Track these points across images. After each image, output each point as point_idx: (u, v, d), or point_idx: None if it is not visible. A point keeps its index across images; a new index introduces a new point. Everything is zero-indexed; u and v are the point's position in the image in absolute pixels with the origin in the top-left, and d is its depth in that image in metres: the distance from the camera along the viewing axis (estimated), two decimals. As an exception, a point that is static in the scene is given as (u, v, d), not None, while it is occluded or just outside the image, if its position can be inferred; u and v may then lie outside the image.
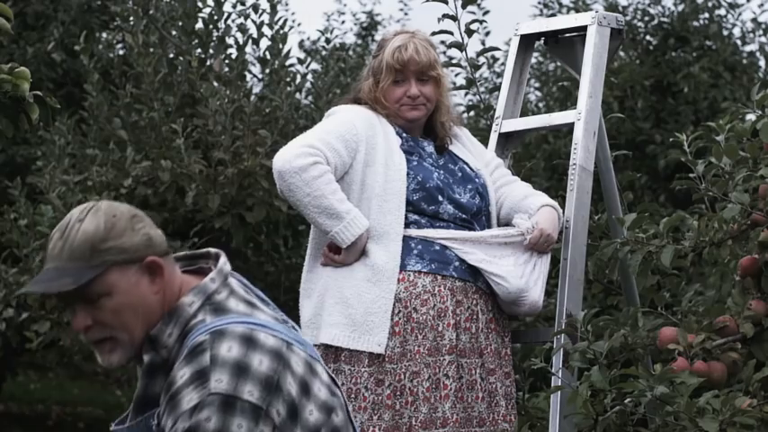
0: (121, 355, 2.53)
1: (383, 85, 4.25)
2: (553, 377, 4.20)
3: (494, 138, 4.69)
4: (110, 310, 2.51)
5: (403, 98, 4.25)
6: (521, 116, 4.79)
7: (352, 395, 4.05)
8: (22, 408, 13.11)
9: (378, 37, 12.96)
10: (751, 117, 4.39)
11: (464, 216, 4.24)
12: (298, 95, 8.48)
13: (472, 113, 5.57)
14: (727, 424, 3.67)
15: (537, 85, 11.48)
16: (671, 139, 4.83)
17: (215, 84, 7.95)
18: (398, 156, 4.21)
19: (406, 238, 4.15)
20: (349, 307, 4.08)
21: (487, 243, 4.22)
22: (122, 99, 8.17)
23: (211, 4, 8.16)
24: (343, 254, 4.15)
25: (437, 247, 4.18)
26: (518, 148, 5.05)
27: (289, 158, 4.07)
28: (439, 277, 4.16)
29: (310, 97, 9.21)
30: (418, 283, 4.13)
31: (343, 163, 4.14)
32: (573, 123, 4.52)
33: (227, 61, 8.14)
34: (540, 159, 9.68)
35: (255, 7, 8.23)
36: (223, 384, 2.39)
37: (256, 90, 8.70)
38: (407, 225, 4.17)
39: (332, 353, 4.10)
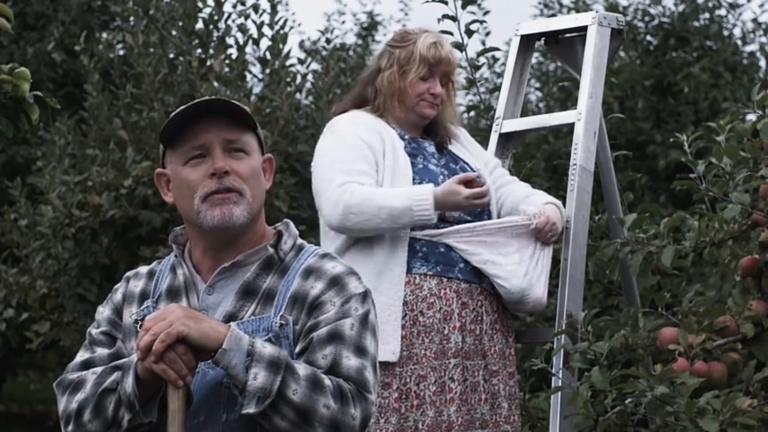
0: (242, 210, 2.68)
1: (412, 78, 4.22)
2: (554, 377, 4.20)
3: (494, 138, 4.68)
4: (246, 164, 2.70)
5: (425, 94, 4.24)
6: (521, 116, 4.78)
7: None
8: (22, 408, 13.11)
9: (379, 36, 12.94)
10: (751, 117, 4.39)
11: (468, 218, 4.23)
12: (298, 95, 8.49)
13: (472, 113, 5.57)
14: (727, 424, 3.67)
15: (537, 85, 11.48)
16: (671, 140, 4.82)
17: (215, 84, 7.95)
18: (403, 160, 4.20)
19: (411, 240, 4.14)
20: None
21: (491, 234, 4.19)
22: (122, 99, 8.17)
23: (211, 4, 8.16)
24: (453, 205, 4.13)
25: (442, 249, 4.17)
26: (518, 149, 5.05)
27: (334, 217, 4.08)
28: (444, 280, 4.15)
29: (310, 97, 9.21)
30: (424, 286, 4.12)
31: (375, 178, 4.14)
32: (573, 123, 4.52)
33: (227, 61, 8.14)
34: (540, 159, 9.67)
35: (256, 7, 8.23)
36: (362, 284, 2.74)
37: (256, 90, 8.70)
38: (412, 227, 4.16)
39: None
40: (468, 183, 4.14)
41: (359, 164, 4.13)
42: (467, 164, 4.33)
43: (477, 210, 4.25)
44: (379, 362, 4.02)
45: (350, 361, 2.62)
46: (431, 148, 4.31)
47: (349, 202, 4.06)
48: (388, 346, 4.05)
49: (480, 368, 4.14)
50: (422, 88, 4.23)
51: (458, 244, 4.17)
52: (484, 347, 4.17)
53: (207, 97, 2.73)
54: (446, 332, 4.10)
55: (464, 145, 4.41)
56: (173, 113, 2.70)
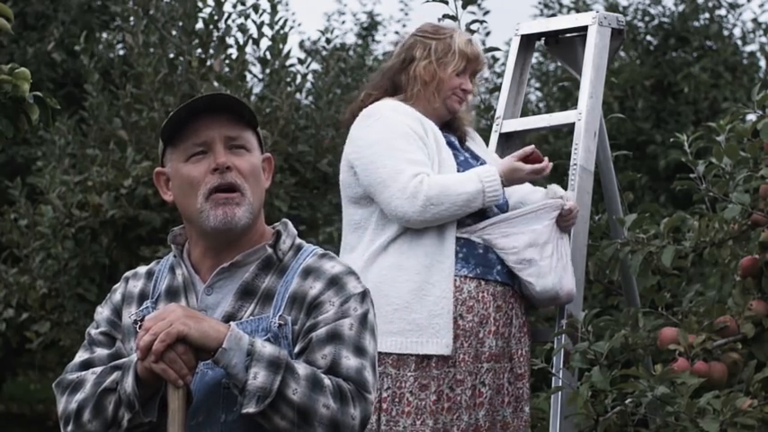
0: (245, 212, 2.68)
1: (451, 71, 4.19)
2: (554, 377, 4.20)
3: (494, 138, 4.68)
4: (246, 161, 2.70)
5: (457, 89, 4.22)
6: (521, 116, 4.78)
7: (396, 399, 4.01)
8: (22, 408, 13.11)
9: (379, 36, 12.94)
10: (751, 117, 4.39)
11: (498, 213, 4.22)
12: (298, 95, 8.48)
13: (473, 113, 5.58)
14: (727, 424, 3.67)
15: (537, 85, 11.48)
16: (671, 140, 4.82)
17: (215, 84, 7.95)
18: (446, 151, 4.17)
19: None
20: (412, 312, 4.02)
21: (527, 223, 4.14)
22: (122, 99, 8.17)
23: (211, 4, 8.15)
24: (517, 181, 4.17)
25: (480, 250, 4.14)
26: (518, 148, 5.04)
27: (412, 210, 4.02)
28: (483, 282, 4.12)
29: (310, 97, 9.21)
30: (464, 289, 4.09)
31: (428, 161, 4.11)
32: (573, 123, 4.52)
33: (227, 61, 8.14)
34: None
35: (256, 7, 8.23)
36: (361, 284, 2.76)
37: (256, 90, 8.69)
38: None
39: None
40: (525, 158, 4.16)
41: (419, 153, 4.08)
42: (484, 161, 4.30)
43: (504, 206, 4.22)
44: (416, 359, 4.02)
45: (349, 361, 2.62)
46: (457, 143, 4.30)
47: (429, 194, 4.01)
48: (442, 340, 4.02)
49: (506, 371, 4.13)
50: (455, 82, 4.21)
51: (497, 240, 4.14)
52: (511, 350, 4.16)
53: (208, 93, 2.73)
54: (481, 336, 4.09)
55: (477, 143, 4.39)
56: (174, 110, 2.71)
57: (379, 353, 4.00)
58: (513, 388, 4.15)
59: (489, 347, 4.09)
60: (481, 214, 4.16)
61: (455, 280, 4.08)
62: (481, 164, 4.24)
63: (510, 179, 4.14)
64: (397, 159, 4.05)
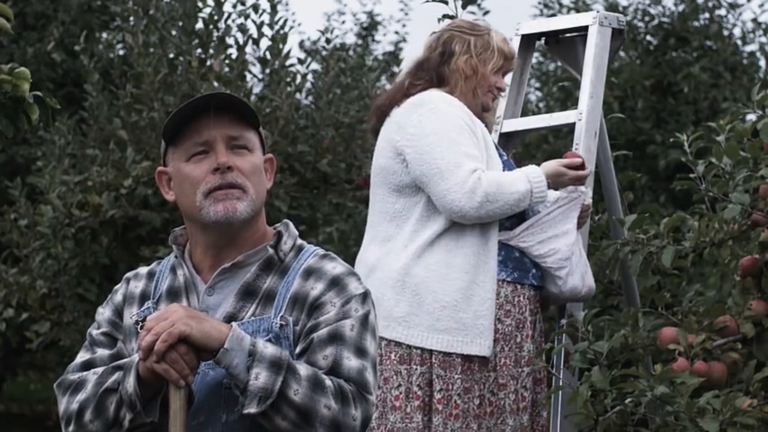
0: (246, 206, 2.68)
1: (491, 67, 4.19)
2: (554, 377, 4.20)
3: (494, 137, 4.68)
4: (248, 161, 2.70)
5: (493, 87, 4.22)
6: (521, 116, 4.79)
7: (444, 400, 4.00)
8: (22, 408, 13.11)
9: (379, 36, 12.94)
10: (751, 117, 4.39)
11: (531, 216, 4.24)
12: (298, 95, 8.47)
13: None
14: (727, 424, 3.67)
15: (537, 85, 11.48)
16: (671, 140, 4.82)
17: (215, 84, 7.95)
18: (493, 150, 4.17)
19: None
20: (459, 311, 4.01)
21: (556, 225, 4.15)
22: (122, 99, 8.16)
23: (211, 4, 8.15)
24: (559, 185, 4.19)
25: (517, 254, 4.15)
26: (518, 148, 5.05)
27: (465, 206, 4.00)
28: (519, 286, 4.13)
29: (310, 97, 9.20)
30: (501, 293, 4.10)
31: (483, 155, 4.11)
32: (574, 123, 4.52)
33: (227, 61, 8.13)
34: (540, 159, 9.66)
35: (255, 7, 8.22)
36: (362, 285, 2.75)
37: (256, 90, 8.69)
38: None
39: (421, 354, 4.02)
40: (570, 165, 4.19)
41: (474, 149, 4.07)
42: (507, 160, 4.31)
43: (534, 210, 4.22)
44: (462, 360, 4.01)
45: (350, 362, 2.62)
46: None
47: (488, 191, 4.00)
48: (485, 341, 4.03)
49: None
50: (493, 80, 4.21)
51: (532, 248, 4.14)
52: (533, 355, 4.17)
53: (210, 92, 2.73)
54: (519, 340, 4.10)
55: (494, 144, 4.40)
56: (176, 109, 2.71)
57: (424, 349, 4.00)
58: (532, 393, 4.15)
59: (528, 352, 4.11)
60: (517, 215, 4.16)
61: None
62: (504, 161, 4.23)
63: (555, 182, 4.17)
64: (455, 153, 4.02)
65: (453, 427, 3.99)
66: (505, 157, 4.25)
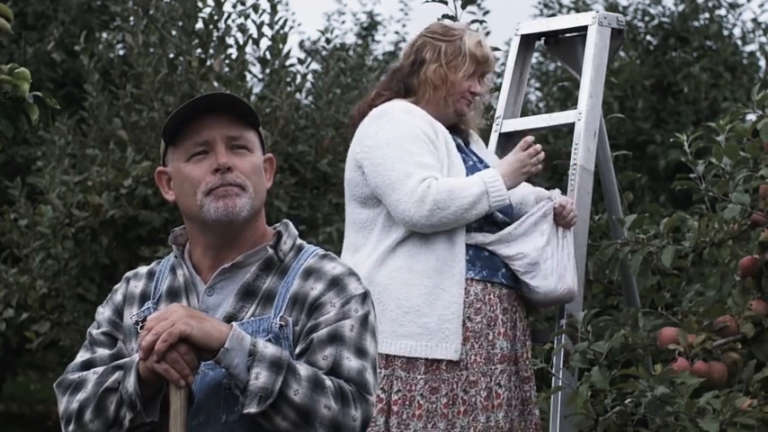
0: (245, 204, 2.69)
1: (462, 74, 4.17)
2: (554, 377, 4.20)
3: (494, 138, 4.68)
4: (248, 161, 2.71)
5: (466, 92, 4.21)
6: (521, 116, 4.79)
7: (407, 402, 4.00)
8: (22, 408, 13.11)
9: (379, 36, 12.93)
10: (751, 117, 4.39)
11: (506, 220, 4.22)
12: (298, 95, 8.48)
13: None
14: (727, 424, 3.67)
15: (537, 85, 11.48)
16: (671, 140, 4.82)
17: (215, 84, 7.95)
18: (456, 156, 4.16)
19: None
20: (422, 316, 4.02)
21: (527, 234, 4.16)
22: (122, 99, 8.16)
23: (211, 4, 8.15)
24: (520, 177, 4.16)
25: (486, 253, 4.15)
26: (518, 149, 5.04)
27: (419, 214, 4.00)
28: (489, 285, 4.12)
29: (310, 97, 9.20)
30: (471, 292, 4.09)
31: (441, 172, 4.09)
32: (573, 123, 4.52)
33: (227, 61, 8.13)
34: (539, 159, 9.65)
35: (255, 7, 8.23)
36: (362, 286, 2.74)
37: (256, 90, 8.69)
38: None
39: (386, 357, 4.02)
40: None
41: (429, 157, 4.06)
42: (487, 164, 4.29)
43: (511, 211, 4.23)
44: (426, 362, 4.01)
45: (350, 362, 2.62)
46: (463, 145, 4.29)
47: (437, 198, 3.99)
48: (451, 345, 4.02)
49: (513, 373, 4.13)
50: (465, 86, 4.19)
51: (501, 251, 4.14)
52: (516, 353, 4.16)
53: (210, 92, 2.73)
54: (491, 338, 4.09)
55: (480, 146, 4.39)
56: (176, 109, 2.71)
57: (389, 355, 4.01)
58: (520, 391, 4.15)
59: (501, 349, 4.09)
60: (492, 225, 4.16)
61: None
62: (485, 165, 4.23)
63: (514, 177, 4.13)
64: (406, 163, 4.03)
65: (416, 428, 3.99)
66: (471, 162, 4.21)
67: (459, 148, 4.22)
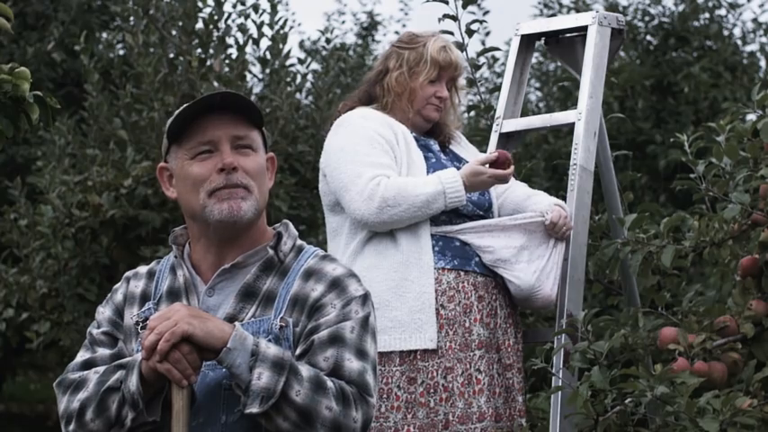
0: (250, 206, 2.68)
1: (423, 80, 4.23)
2: (554, 377, 4.20)
3: (494, 138, 4.68)
4: (253, 160, 2.71)
5: (432, 98, 4.26)
6: (521, 116, 4.78)
7: (384, 395, 4.04)
8: (22, 408, 13.11)
9: (379, 36, 12.94)
10: (751, 117, 4.39)
11: (480, 212, 4.25)
12: (298, 95, 8.48)
13: (472, 113, 5.55)
14: (727, 424, 3.67)
15: (537, 85, 11.49)
16: (671, 140, 4.82)
17: (215, 84, 7.95)
18: (416, 153, 4.21)
19: None
20: (392, 309, 4.06)
21: (505, 230, 4.19)
22: (122, 99, 8.17)
23: (211, 4, 8.16)
24: (479, 185, 4.15)
25: (457, 243, 4.18)
26: (518, 148, 5.05)
27: (369, 211, 4.07)
28: (462, 273, 4.16)
29: (310, 97, 9.21)
30: (443, 280, 4.13)
31: (396, 170, 4.14)
32: (573, 123, 4.52)
33: (227, 61, 8.14)
34: (540, 159, 9.67)
35: (256, 7, 8.23)
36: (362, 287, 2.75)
37: (256, 90, 8.69)
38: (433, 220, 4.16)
39: None
40: (493, 163, 4.17)
41: (381, 157, 4.13)
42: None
43: (486, 205, 4.27)
44: (401, 354, 4.03)
45: (351, 364, 2.62)
46: (435, 147, 4.34)
47: (385, 195, 4.05)
48: (425, 334, 4.05)
49: (495, 361, 4.16)
50: (429, 91, 4.26)
51: (472, 240, 4.18)
52: (498, 341, 4.19)
53: (217, 91, 2.73)
54: (467, 325, 4.12)
55: (463, 146, 4.43)
56: (181, 108, 2.70)
57: None
58: (503, 379, 4.17)
59: (478, 335, 4.12)
60: (462, 217, 4.19)
61: (433, 272, 4.11)
62: (463, 165, 4.27)
63: (473, 182, 4.16)
64: (357, 164, 4.11)
65: (396, 419, 4.02)
66: (434, 160, 4.24)
67: (426, 147, 4.27)
